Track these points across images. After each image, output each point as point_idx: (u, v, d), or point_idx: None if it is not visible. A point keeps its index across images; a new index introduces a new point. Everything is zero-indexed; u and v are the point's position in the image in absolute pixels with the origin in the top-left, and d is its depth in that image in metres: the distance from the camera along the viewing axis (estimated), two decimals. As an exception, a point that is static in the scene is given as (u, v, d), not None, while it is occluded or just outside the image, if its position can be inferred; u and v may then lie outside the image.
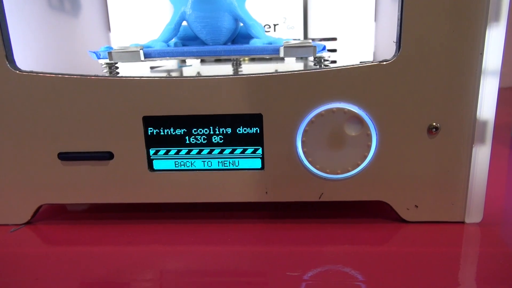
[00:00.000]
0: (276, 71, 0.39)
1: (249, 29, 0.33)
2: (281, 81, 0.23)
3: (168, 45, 0.35)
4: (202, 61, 0.49)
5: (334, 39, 0.51)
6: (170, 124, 0.25)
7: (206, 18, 0.32)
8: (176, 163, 0.25)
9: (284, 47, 0.27)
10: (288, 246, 0.24)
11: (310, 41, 0.28)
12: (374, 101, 0.23)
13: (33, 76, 0.24)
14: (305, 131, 0.24)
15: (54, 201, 0.26)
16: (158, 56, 0.28)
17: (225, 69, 0.42)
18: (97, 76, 0.24)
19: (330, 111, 0.23)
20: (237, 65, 0.38)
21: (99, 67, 0.47)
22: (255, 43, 0.31)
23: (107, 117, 0.24)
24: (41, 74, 0.24)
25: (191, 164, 0.25)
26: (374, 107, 0.23)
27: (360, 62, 0.50)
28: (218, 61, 0.49)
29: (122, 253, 0.23)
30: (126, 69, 0.30)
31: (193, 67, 0.46)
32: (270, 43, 0.31)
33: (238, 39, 0.38)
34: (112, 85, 0.24)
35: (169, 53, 0.29)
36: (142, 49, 0.28)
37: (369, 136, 0.24)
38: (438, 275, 0.21)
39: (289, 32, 0.51)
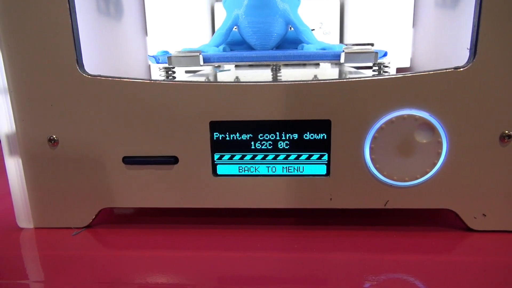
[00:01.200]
0: (315, 77, 0.39)
1: (301, 34, 0.33)
2: (351, 87, 0.23)
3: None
4: (237, 66, 0.49)
5: (371, 44, 0.51)
6: (236, 129, 0.24)
7: (259, 23, 0.32)
8: (240, 168, 0.25)
9: (345, 53, 0.27)
10: (350, 253, 0.23)
11: (371, 46, 0.28)
12: (446, 108, 0.23)
13: (101, 80, 0.24)
14: (374, 137, 0.24)
15: (117, 204, 0.26)
16: (218, 61, 0.28)
17: (264, 74, 0.43)
18: (165, 80, 0.24)
19: (401, 117, 0.23)
20: (276, 70, 0.38)
21: (142, 70, 0.47)
22: (309, 48, 0.31)
23: (173, 121, 0.24)
24: (109, 79, 0.24)
25: (255, 169, 0.25)
26: (446, 114, 0.23)
27: (397, 68, 0.50)
28: (252, 65, 0.49)
29: (180, 257, 0.23)
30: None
31: (231, 72, 0.46)
32: (324, 49, 0.31)
33: (284, 44, 0.38)
34: (180, 89, 0.24)
35: (228, 58, 0.29)
36: (201, 53, 0.28)
37: (439, 144, 0.23)
38: (507, 287, 0.20)
39: (325, 37, 0.51)
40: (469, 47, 0.23)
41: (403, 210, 0.25)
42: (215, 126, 0.24)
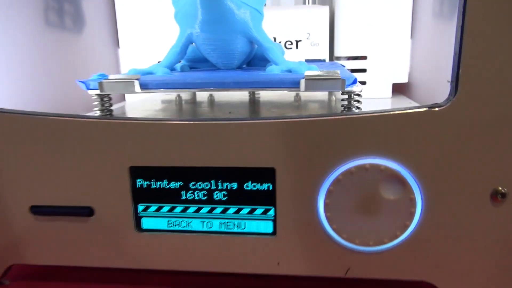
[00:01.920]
0: (297, 95, 0.34)
1: (266, 52, 0.29)
2: (300, 128, 0.18)
3: (174, 69, 0.31)
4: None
5: (364, 57, 0.45)
6: (163, 176, 0.20)
7: (216, 41, 0.28)
8: (169, 222, 0.21)
9: (305, 79, 0.22)
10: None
11: (338, 72, 0.23)
12: (420, 157, 0.18)
13: (3, 116, 0.20)
14: (329, 191, 0.19)
15: (27, 261, 0.22)
16: (156, 87, 0.24)
17: (241, 92, 0.38)
18: (77, 117, 0.20)
19: (362, 167, 0.18)
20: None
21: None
22: (272, 70, 0.27)
23: (88, 166, 0.20)
24: (12, 114, 0.20)
25: (187, 224, 0.21)
26: (420, 165, 0.18)
27: (393, 84, 0.44)
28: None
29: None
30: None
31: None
32: (290, 71, 0.27)
33: (254, 61, 0.33)
34: (95, 128, 0.20)
35: (168, 85, 0.24)
36: (138, 78, 0.24)
37: (412, 201, 0.18)
38: None
39: (313, 49, 0.46)
40: (449, 80, 0.18)
41: (369, 279, 0.20)
42: (137, 172, 0.20)
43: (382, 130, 0.18)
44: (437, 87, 0.39)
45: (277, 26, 0.45)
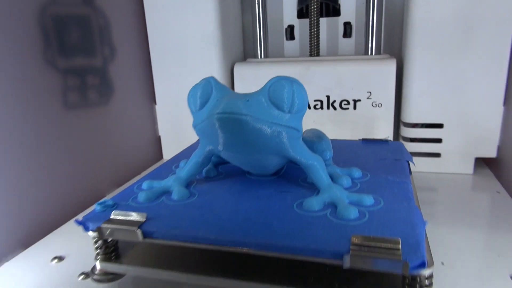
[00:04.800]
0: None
1: (306, 170, 0.23)
2: None
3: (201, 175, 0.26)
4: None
5: (439, 125, 0.37)
6: None
7: (244, 159, 0.23)
8: None
9: (351, 255, 0.16)
10: None
11: (399, 241, 0.16)
12: None
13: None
14: None
15: None
16: (163, 237, 0.19)
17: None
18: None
19: None
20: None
21: (150, 146, 0.39)
22: (311, 206, 0.21)
23: None
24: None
25: None
26: None
27: (476, 158, 0.35)
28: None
29: None
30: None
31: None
32: (332, 203, 0.21)
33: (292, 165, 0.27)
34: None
35: (176, 236, 0.19)
36: (143, 222, 0.20)
37: None
38: None
39: (374, 111, 0.38)
40: None
41: None
42: None
43: None
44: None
45: (332, 81, 0.38)
